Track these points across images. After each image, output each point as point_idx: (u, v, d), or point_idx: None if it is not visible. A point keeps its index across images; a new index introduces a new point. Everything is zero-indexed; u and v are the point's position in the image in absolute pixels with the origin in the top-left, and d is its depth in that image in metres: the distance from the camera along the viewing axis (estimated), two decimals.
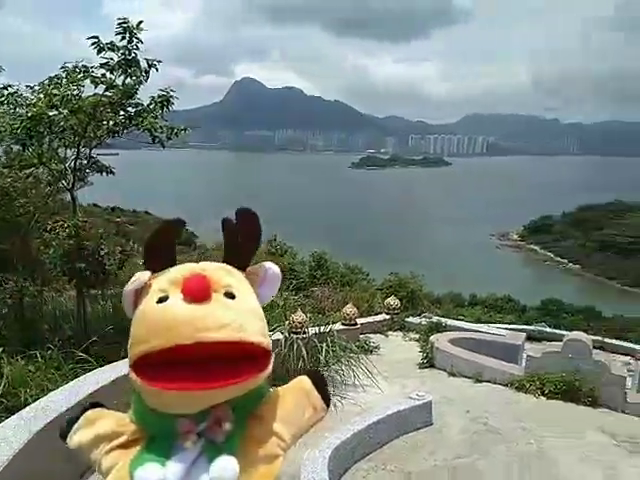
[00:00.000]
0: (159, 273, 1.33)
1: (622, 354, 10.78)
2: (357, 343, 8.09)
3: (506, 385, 7.17)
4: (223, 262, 1.40)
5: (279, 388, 1.51)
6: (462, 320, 13.62)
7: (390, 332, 11.22)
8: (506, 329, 11.46)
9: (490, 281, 54.42)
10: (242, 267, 1.41)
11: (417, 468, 4.68)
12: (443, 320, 10.86)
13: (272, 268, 1.45)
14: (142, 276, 1.30)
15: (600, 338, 11.48)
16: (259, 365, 1.25)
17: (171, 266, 1.35)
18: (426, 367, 8.20)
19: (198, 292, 1.21)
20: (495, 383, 7.28)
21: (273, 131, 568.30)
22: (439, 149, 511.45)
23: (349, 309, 9.57)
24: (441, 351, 8.10)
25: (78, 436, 1.45)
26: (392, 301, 11.85)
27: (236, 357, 1.20)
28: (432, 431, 5.52)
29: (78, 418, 1.49)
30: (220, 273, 1.33)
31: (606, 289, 70.55)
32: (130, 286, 1.29)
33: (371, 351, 8.91)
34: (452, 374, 7.71)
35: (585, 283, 74.24)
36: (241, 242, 1.41)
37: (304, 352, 5.78)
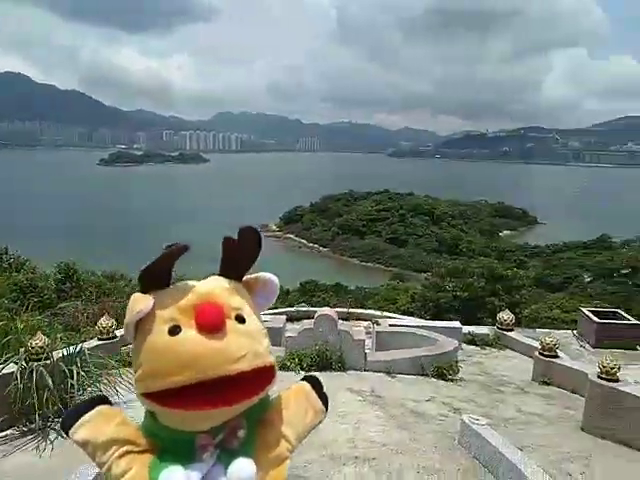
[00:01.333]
0: (159, 295, 1.26)
1: (364, 320, 12.72)
2: (118, 357, 7.44)
3: None
4: (220, 274, 1.39)
5: (281, 393, 1.55)
6: None
7: None
8: (271, 314, 12.23)
9: (256, 271, 57.33)
10: (239, 277, 1.40)
11: None
12: None
13: (271, 278, 1.46)
14: (146, 304, 1.23)
15: (346, 310, 13.31)
16: (269, 378, 1.29)
17: (164, 286, 1.30)
18: None
19: (214, 324, 1.20)
20: None
21: None
22: (195, 145, 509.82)
23: (104, 321, 8.72)
24: None
25: (86, 431, 1.34)
26: None
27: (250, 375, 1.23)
28: None
29: (84, 409, 1.38)
30: (227, 294, 1.32)
31: (349, 266, 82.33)
32: (135, 316, 1.23)
33: None
34: None
35: (333, 263, 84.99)
36: (240, 257, 1.39)
37: (49, 381, 4.98)
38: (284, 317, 10.41)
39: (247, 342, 1.24)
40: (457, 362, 8.24)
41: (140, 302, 1.23)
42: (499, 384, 8.11)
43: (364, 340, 8.09)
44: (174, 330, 1.20)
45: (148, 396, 1.21)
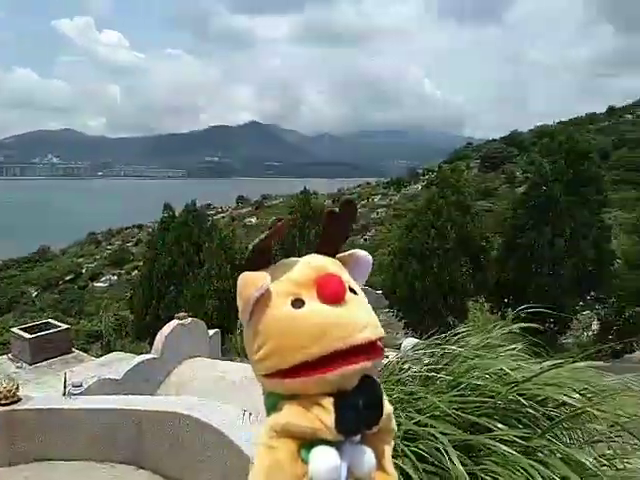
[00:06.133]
0: (269, 272, 1.20)
1: None
2: None
3: None
4: (316, 251, 1.32)
5: None
6: None
7: None
8: None
9: None
10: (333, 254, 1.32)
11: None
12: None
13: (363, 254, 1.37)
14: (265, 280, 1.18)
15: None
16: (383, 349, 1.27)
17: (268, 265, 1.26)
18: None
19: (338, 294, 1.20)
20: None
21: None
22: None
23: None
24: None
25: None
26: None
27: None
28: None
29: None
30: (338, 268, 1.26)
31: None
32: (256, 292, 1.18)
33: None
34: None
35: None
36: (339, 232, 1.35)
37: None
38: None
39: (366, 312, 1.19)
40: None
41: (259, 278, 1.15)
42: None
43: None
44: (297, 303, 1.15)
45: (276, 374, 1.13)
